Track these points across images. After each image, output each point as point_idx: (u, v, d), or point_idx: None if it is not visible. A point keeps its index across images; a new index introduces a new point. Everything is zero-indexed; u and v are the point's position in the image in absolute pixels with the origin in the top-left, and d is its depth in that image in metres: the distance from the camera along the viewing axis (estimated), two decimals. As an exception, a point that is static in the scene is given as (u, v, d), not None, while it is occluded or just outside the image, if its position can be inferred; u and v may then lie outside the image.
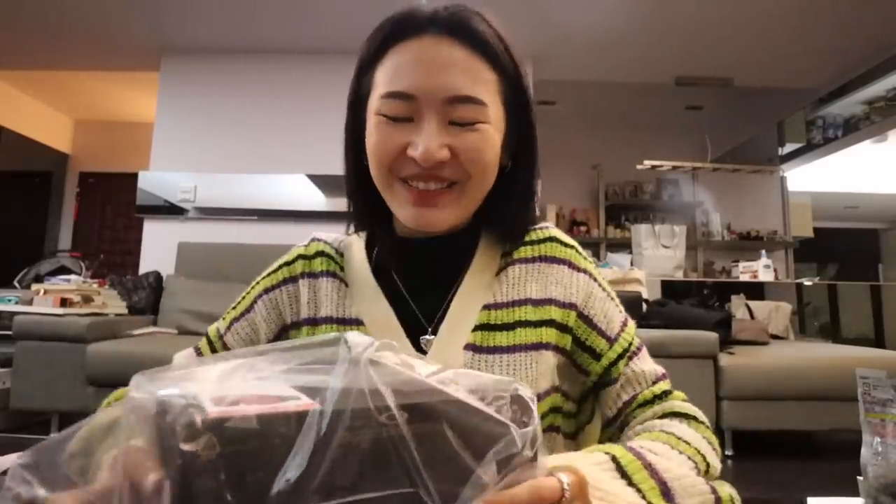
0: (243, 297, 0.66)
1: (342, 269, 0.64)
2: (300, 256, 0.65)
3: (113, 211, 5.45)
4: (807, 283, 4.62)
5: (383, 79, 0.54)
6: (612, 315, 0.63)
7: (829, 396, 2.34)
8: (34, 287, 2.70)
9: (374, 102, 0.55)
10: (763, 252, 3.99)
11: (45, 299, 2.57)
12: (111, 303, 2.81)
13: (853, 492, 0.55)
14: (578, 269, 0.63)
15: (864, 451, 0.55)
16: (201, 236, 3.38)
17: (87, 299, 2.66)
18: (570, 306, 0.61)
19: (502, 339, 0.57)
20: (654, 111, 4.91)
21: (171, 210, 3.50)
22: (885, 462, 0.53)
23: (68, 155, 5.60)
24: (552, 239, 0.65)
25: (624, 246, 4.57)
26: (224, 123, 3.64)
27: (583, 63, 3.86)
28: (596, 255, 4.77)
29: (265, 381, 0.28)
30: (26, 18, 3.40)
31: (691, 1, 3.10)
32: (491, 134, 0.54)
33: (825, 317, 5.08)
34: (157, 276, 3.15)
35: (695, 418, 0.57)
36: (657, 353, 2.47)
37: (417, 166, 0.53)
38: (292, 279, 0.64)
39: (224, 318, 0.65)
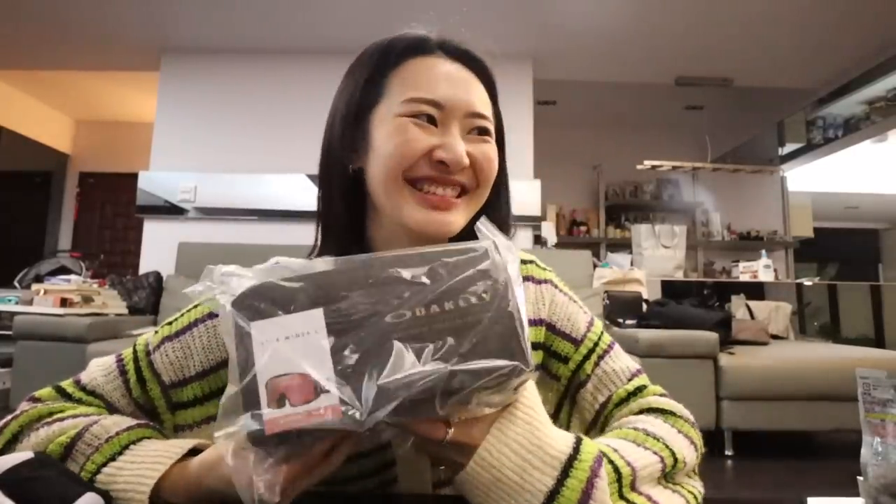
0: (182, 315, 0.58)
1: None
2: None
3: (113, 211, 5.45)
4: (807, 283, 4.62)
5: (404, 86, 0.56)
6: (576, 317, 0.63)
7: (829, 396, 2.34)
8: (34, 287, 2.70)
9: (393, 107, 0.56)
10: (763, 252, 3.99)
11: (45, 299, 2.57)
12: (111, 303, 2.81)
13: (853, 492, 0.55)
14: (540, 282, 0.65)
15: (864, 451, 0.55)
16: (201, 236, 3.38)
17: (87, 299, 2.66)
18: (539, 322, 0.62)
19: None
20: (654, 111, 4.91)
21: (171, 210, 3.50)
22: (885, 462, 0.53)
23: (68, 155, 5.60)
24: (531, 262, 0.67)
25: (624, 246, 4.57)
26: (224, 123, 3.64)
27: (583, 63, 3.86)
28: (596, 255, 4.77)
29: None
30: (26, 18, 3.40)
31: (691, 1, 3.10)
32: (495, 148, 0.60)
33: (825, 317, 5.08)
34: (157, 276, 3.15)
35: (672, 413, 0.56)
36: (657, 353, 2.47)
37: (436, 170, 0.55)
38: None
39: (157, 332, 0.57)
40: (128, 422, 0.50)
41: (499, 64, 0.64)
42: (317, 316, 0.37)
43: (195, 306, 0.58)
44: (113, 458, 0.45)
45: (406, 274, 0.39)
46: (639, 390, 0.59)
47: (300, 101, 3.62)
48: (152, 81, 3.84)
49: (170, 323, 0.58)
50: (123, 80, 4.55)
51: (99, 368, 0.57)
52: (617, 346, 0.64)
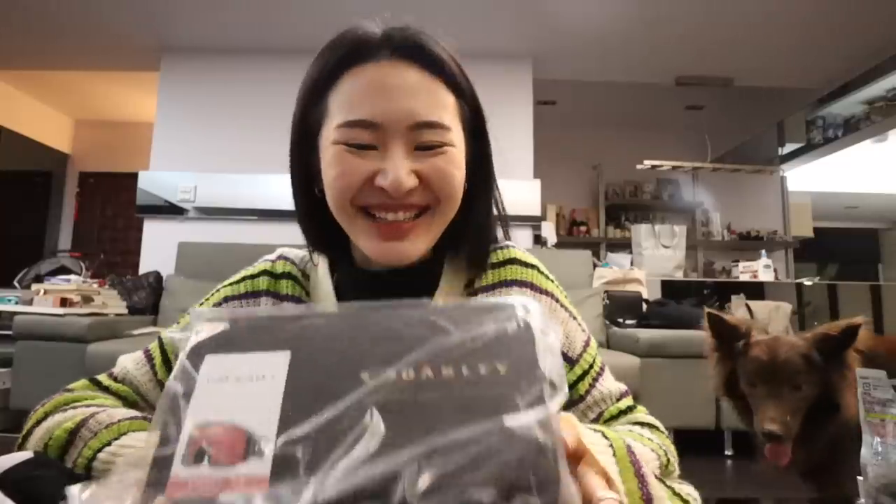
0: (201, 304, 0.63)
1: (307, 293, 0.62)
2: (265, 272, 0.63)
3: (113, 211, 5.45)
4: (807, 283, 4.61)
5: (340, 107, 0.52)
6: (575, 336, 0.62)
7: (829, 396, 2.34)
8: (34, 287, 2.70)
9: (330, 132, 0.52)
10: (763, 252, 3.99)
11: (45, 299, 2.57)
12: (111, 303, 2.81)
13: (853, 492, 0.55)
14: (541, 291, 0.62)
15: (864, 451, 0.55)
16: (201, 236, 3.38)
17: (87, 299, 2.66)
18: None
19: None
20: (654, 111, 4.91)
21: (171, 210, 3.50)
22: (885, 462, 0.53)
23: (68, 155, 5.60)
24: (513, 261, 0.63)
25: (624, 246, 4.57)
26: (224, 123, 3.64)
27: (583, 63, 3.86)
28: (596, 255, 4.77)
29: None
30: (26, 18, 3.40)
31: (691, 1, 3.10)
32: (456, 156, 0.53)
33: (825, 317, 5.08)
34: (157, 276, 3.15)
35: (656, 427, 0.58)
36: (657, 353, 2.47)
37: (384, 196, 0.50)
38: (254, 294, 0.62)
39: (178, 324, 0.60)
40: (134, 413, 0.51)
41: (498, 64, 0.62)
42: (280, 359, 0.30)
43: (213, 294, 0.63)
44: (108, 444, 0.45)
45: (403, 321, 0.31)
46: (629, 409, 0.60)
47: (300, 101, 3.62)
48: (152, 81, 3.84)
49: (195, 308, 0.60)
50: (123, 80, 4.55)
51: (129, 359, 0.61)
52: (607, 368, 0.63)
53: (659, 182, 5.21)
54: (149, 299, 3.03)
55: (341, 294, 0.60)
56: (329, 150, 0.52)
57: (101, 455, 0.44)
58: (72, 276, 2.84)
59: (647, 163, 4.44)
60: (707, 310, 1.18)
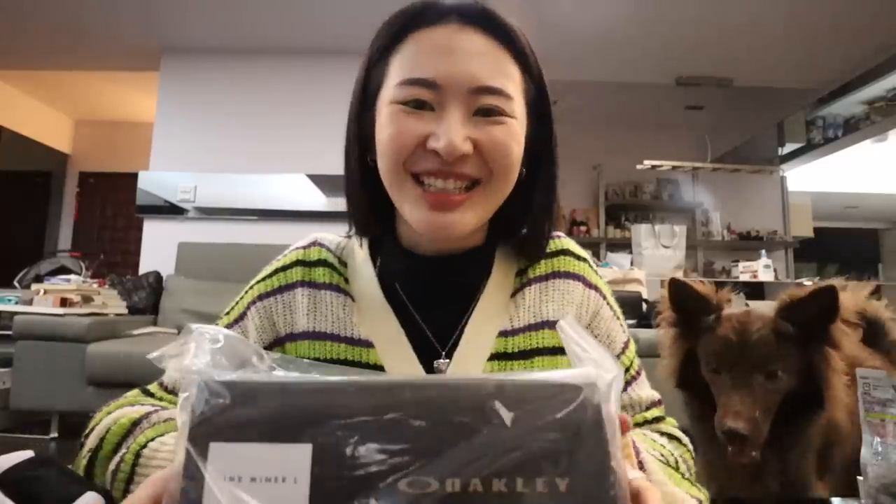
0: (236, 303, 0.61)
1: (346, 280, 0.59)
2: (298, 262, 0.60)
3: (113, 211, 5.45)
4: (807, 283, 4.62)
5: (401, 67, 0.50)
6: (616, 336, 0.61)
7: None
8: (34, 287, 2.70)
9: (388, 91, 0.50)
10: (763, 252, 4.00)
11: (45, 299, 2.57)
12: (111, 303, 2.81)
13: (853, 492, 0.55)
14: (590, 286, 0.61)
15: (864, 451, 0.55)
16: (201, 236, 3.38)
17: (87, 299, 2.66)
18: None
19: (519, 370, 0.54)
20: (654, 111, 4.90)
21: (170, 210, 3.50)
22: (885, 462, 0.53)
23: (68, 155, 5.60)
24: (565, 252, 0.62)
25: (624, 246, 4.57)
26: (224, 123, 3.63)
27: (583, 63, 3.86)
28: (596, 254, 4.77)
29: None
30: (26, 18, 3.40)
31: (691, 1, 3.10)
32: (516, 129, 0.51)
33: (825, 317, 5.07)
34: (157, 276, 3.15)
35: (678, 440, 0.58)
36: (657, 352, 2.47)
37: (437, 161, 0.48)
38: (288, 287, 0.58)
39: (217, 325, 0.60)
40: None
41: None
42: (302, 455, 0.25)
43: (245, 292, 0.60)
44: (161, 435, 0.45)
45: (451, 403, 0.26)
46: (656, 420, 0.60)
47: (300, 101, 3.62)
48: (152, 81, 3.84)
49: (227, 313, 0.61)
50: (123, 80, 4.54)
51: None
52: (643, 374, 0.62)
53: (659, 182, 5.21)
54: (149, 299, 3.03)
55: (385, 281, 0.57)
56: (385, 110, 0.50)
57: (151, 444, 0.45)
58: (72, 276, 2.84)
59: (647, 163, 4.44)
60: (671, 277, 0.94)
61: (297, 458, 0.25)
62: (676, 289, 0.92)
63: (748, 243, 4.94)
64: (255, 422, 0.26)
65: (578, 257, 0.62)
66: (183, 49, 3.69)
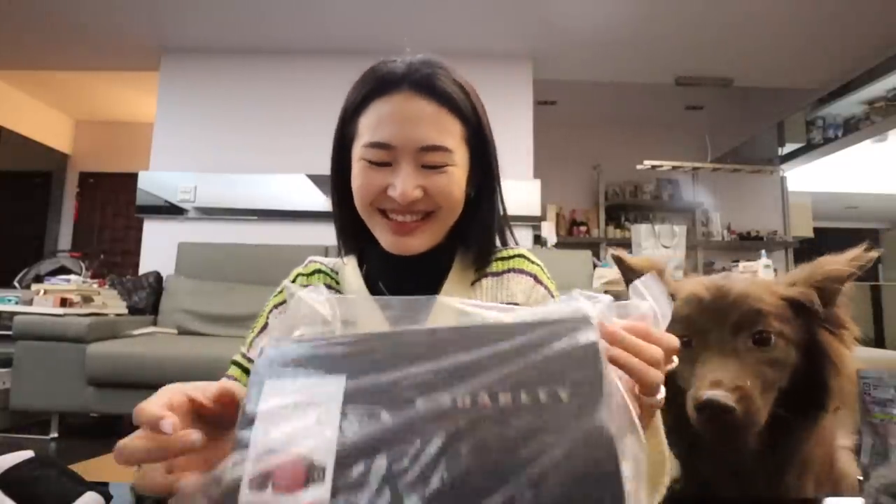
0: (259, 317, 0.74)
1: (338, 283, 0.74)
2: (299, 275, 0.76)
3: (113, 211, 5.45)
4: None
5: (366, 128, 0.64)
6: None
7: (829, 396, 2.33)
8: (34, 287, 2.70)
9: (358, 149, 0.64)
10: (763, 252, 3.99)
11: (45, 299, 2.57)
12: (111, 303, 2.81)
13: (853, 492, 0.55)
14: (541, 284, 0.74)
15: (864, 451, 0.55)
16: (201, 236, 3.38)
17: (87, 299, 2.66)
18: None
19: None
20: (654, 111, 4.90)
21: (170, 210, 3.50)
22: (885, 462, 0.53)
23: (68, 155, 5.60)
24: (521, 256, 0.76)
25: (624, 246, 4.51)
26: (224, 123, 3.64)
27: (583, 63, 3.86)
28: (596, 255, 4.76)
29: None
30: (26, 18, 3.40)
31: (691, 1, 3.10)
32: (457, 174, 0.65)
33: (825, 317, 5.07)
34: (157, 276, 3.15)
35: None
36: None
37: (395, 203, 0.63)
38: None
39: (245, 341, 0.72)
40: None
41: (498, 64, 0.67)
42: (335, 385, 0.31)
43: (265, 308, 0.74)
44: None
45: (462, 345, 0.31)
46: None
47: (300, 101, 3.62)
48: (152, 81, 3.84)
49: (252, 330, 0.73)
50: (123, 80, 4.54)
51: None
52: None
53: (659, 182, 5.21)
54: (149, 299, 3.03)
55: (370, 281, 0.72)
56: (356, 165, 0.65)
57: None
58: (72, 276, 2.84)
59: (647, 163, 4.44)
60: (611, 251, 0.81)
61: (332, 387, 0.31)
62: (617, 263, 0.79)
63: (748, 243, 4.94)
64: (303, 360, 0.33)
65: (532, 262, 0.76)
66: (183, 49, 3.69)
